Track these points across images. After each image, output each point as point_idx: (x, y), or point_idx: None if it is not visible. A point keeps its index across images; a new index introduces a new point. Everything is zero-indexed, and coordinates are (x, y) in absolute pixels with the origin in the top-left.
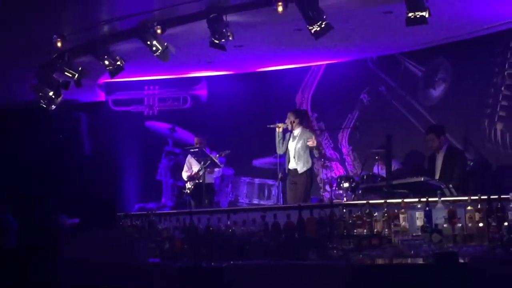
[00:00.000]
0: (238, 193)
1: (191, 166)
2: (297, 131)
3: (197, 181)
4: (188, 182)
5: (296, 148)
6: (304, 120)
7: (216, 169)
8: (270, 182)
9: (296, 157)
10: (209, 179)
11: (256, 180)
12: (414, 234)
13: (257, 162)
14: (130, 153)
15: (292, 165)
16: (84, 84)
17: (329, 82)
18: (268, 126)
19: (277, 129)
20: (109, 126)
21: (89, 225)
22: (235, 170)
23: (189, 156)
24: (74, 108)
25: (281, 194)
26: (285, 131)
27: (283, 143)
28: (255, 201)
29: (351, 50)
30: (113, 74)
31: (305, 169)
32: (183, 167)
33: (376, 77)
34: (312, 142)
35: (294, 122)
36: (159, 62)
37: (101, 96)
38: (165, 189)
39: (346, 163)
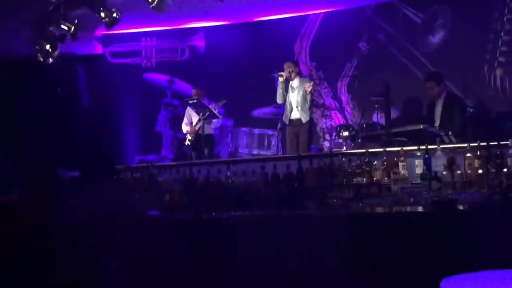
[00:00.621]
0: (238, 143)
1: (191, 118)
2: (296, 82)
3: (196, 133)
4: (188, 134)
5: (298, 99)
6: (300, 71)
7: (215, 120)
8: (269, 132)
9: (299, 107)
10: (208, 130)
11: (256, 130)
12: (413, 182)
13: (256, 112)
14: (129, 105)
15: (295, 115)
16: (81, 36)
17: (328, 31)
18: (272, 75)
19: (279, 78)
20: (107, 79)
21: (89, 178)
22: (234, 120)
23: (188, 108)
24: (72, 61)
25: (281, 144)
26: (287, 80)
27: (284, 93)
28: (255, 152)
29: None
30: (109, 26)
31: (308, 119)
32: (182, 118)
33: (374, 25)
34: (309, 86)
35: (292, 72)
36: (155, 13)
37: (98, 49)
38: (165, 140)
39: (346, 112)
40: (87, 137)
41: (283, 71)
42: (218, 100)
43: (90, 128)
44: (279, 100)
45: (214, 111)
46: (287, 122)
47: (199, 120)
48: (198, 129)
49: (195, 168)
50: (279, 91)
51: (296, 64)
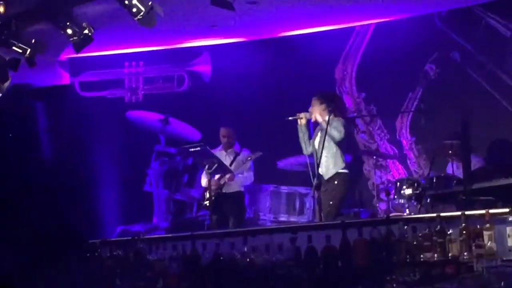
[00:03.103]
0: (259, 206)
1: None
2: (325, 122)
3: (218, 190)
4: (207, 191)
5: (321, 144)
6: (335, 107)
7: (245, 174)
8: (302, 190)
9: (324, 156)
10: (234, 187)
11: (283, 188)
12: (504, 259)
13: (283, 163)
14: (107, 156)
15: (320, 168)
16: (40, 62)
17: (381, 48)
18: (287, 119)
19: (299, 121)
20: (76, 119)
21: (53, 259)
22: (254, 175)
23: (217, 150)
24: (28, 96)
25: (318, 207)
26: (311, 124)
27: (309, 140)
28: (283, 218)
29: (412, 2)
30: (79, 47)
31: (334, 171)
32: (180, 172)
33: (446, 40)
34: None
35: (320, 108)
36: (143, 29)
37: (64, 78)
38: (157, 204)
39: (408, 161)
40: (49, 202)
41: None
42: (251, 149)
43: (52, 189)
44: (304, 151)
45: (246, 162)
46: (314, 181)
47: (213, 173)
48: (220, 185)
49: (199, 241)
50: (301, 138)
51: (325, 97)
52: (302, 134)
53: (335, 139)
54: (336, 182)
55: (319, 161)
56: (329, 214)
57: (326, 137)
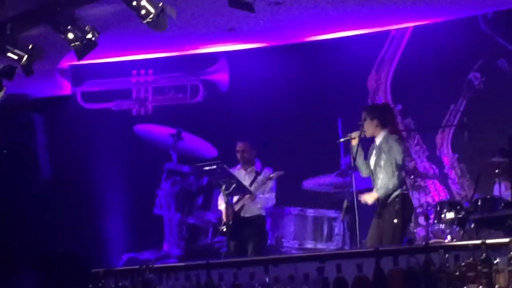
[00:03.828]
0: (282, 232)
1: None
2: (379, 139)
3: (237, 214)
4: (224, 215)
5: (377, 164)
6: (387, 120)
7: (266, 195)
8: (331, 214)
9: (379, 178)
10: (254, 210)
11: (310, 212)
12: None
13: (309, 184)
14: (112, 175)
15: (376, 190)
16: (38, 70)
17: (419, 55)
18: (338, 141)
19: (352, 142)
20: (79, 134)
21: None
22: (276, 196)
23: (236, 170)
24: (25, 108)
25: (349, 233)
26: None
27: (365, 161)
28: (309, 245)
29: (453, 3)
30: (81, 53)
31: (394, 194)
32: (193, 194)
33: (493, 45)
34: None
35: (373, 124)
36: (153, 33)
37: (65, 88)
38: (168, 229)
39: (450, 181)
40: (47, 226)
41: (358, 127)
42: (273, 167)
43: (51, 212)
44: (362, 173)
45: (264, 182)
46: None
47: (230, 194)
48: (239, 208)
49: (215, 271)
50: (358, 161)
51: (376, 110)
52: (358, 157)
53: (397, 162)
54: (397, 207)
55: (375, 183)
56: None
57: (382, 155)
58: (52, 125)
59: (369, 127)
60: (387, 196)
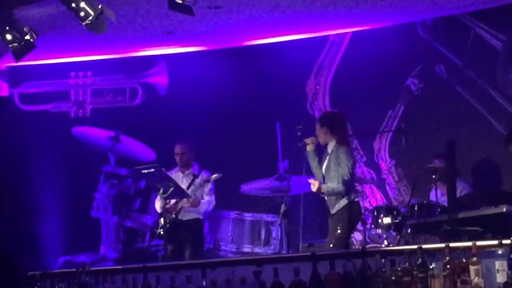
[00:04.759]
0: (220, 235)
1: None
2: (330, 147)
3: (175, 217)
4: (161, 218)
5: (327, 171)
6: (336, 129)
7: (206, 199)
8: (269, 218)
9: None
10: (192, 213)
11: (247, 216)
12: None
13: (247, 188)
14: (49, 177)
15: (327, 200)
16: None
17: (358, 60)
18: (297, 146)
19: (307, 147)
20: (16, 135)
21: None
22: (214, 200)
23: (173, 172)
24: None
25: (286, 238)
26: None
27: (319, 166)
28: (246, 248)
29: (392, 9)
30: (19, 55)
31: (339, 206)
32: (131, 197)
33: (431, 51)
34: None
35: (322, 132)
36: (91, 35)
37: (3, 89)
38: (105, 232)
39: (387, 186)
40: None
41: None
42: (212, 170)
43: None
44: (317, 178)
45: (202, 185)
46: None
47: (168, 197)
48: (177, 211)
49: (152, 274)
50: (311, 165)
51: (326, 119)
52: (312, 162)
53: (344, 172)
54: (345, 215)
55: None
56: (335, 247)
57: (331, 165)
58: None
59: (319, 135)
60: (333, 201)
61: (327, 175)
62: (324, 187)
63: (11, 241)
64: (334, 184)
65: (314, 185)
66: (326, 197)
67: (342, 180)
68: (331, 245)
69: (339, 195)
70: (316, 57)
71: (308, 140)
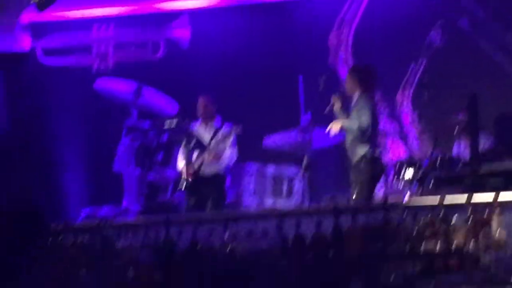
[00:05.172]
0: (242, 188)
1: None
2: (355, 98)
3: (197, 170)
4: (184, 171)
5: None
6: (365, 81)
7: (228, 153)
8: (291, 171)
9: (348, 138)
10: (215, 166)
11: (270, 169)
12: None
13: (270, 141)
14: (71, 131)
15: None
16: None
17: (380, 13)
18: (326, 112)
19: (335, 108)
20: (38, 89)
21: (7, 247)
22: (236, 152)
23: (196, 125)
24: None
25: (308, 190)
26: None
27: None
28: (269, 202)
29: None
30: (42, 6)
31: (359, 155)
32: (154, 150)
33: (454, 5)
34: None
35: (351, 83)
36: None
37: (25, 44)
38: (128, 185)
39: (409, 139)
40: (5, 182)
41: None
42: (234, 123)
43: (8, 166)
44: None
45: (225, 138)
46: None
47: (191, 150)
48: (200, 164)
49: (174, 227)
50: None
51: (356, 72)
52: (341, 116)
53: (362, 118)
54: (363, 165)
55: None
56: (357, 200)
57: (353, 113)
58: (11, 81)
59: (347, 84)
60: (354, 149)
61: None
62: (344, 122)
63: (35, 194)
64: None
65: (332, 127)
66: (347, 146)
67: (361, 121)
68: (353, 198)
69: (358, 140)
70: (339, 10)
71: (333, 100)
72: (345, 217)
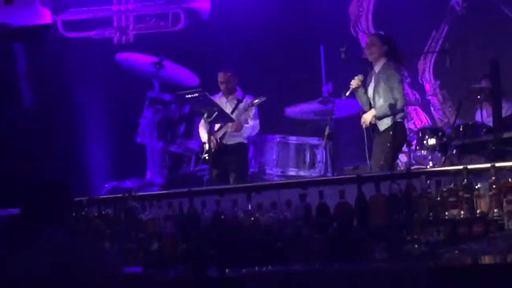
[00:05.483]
0: (265, 159)
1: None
2: (378, 67)
3: (219, 141)
4: (206, 143)
5: (376, 91)
6: (393, 50)
7: (250, 123)
8: (313, 141)
9: (378, 104)
10: (237, 138)
11: (292, 139)
12: None
13: (292, 111)
14: (93, 104)
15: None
16: None
17: None
18: (346, 96)
19: (355, 88)
20: (60, 63)
21: (34, 219)
22: (259, 123)
23: (217, 97)
24: (5, 36)
25: (330, 160)
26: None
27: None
28: (291, 172)
29: None
30: None
31: (386, 125)
32: (176, 122)
33: None
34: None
35: (381, 50)
36: None
37: (46, 17)
38: (151, 157)
39: (432, 108)
40: (29, 155)
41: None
42: (255, 95)
43: (33, 140)
44: (365, 108)
45: (246, 109)
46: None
47: (212, 122)
48: (221, 137)
49: (198, 199)
50: (362, 100)
51: (384, 39)
52: (362, 96)
53: (397, 88)
54: (391, 133)
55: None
56: (382, 168)
57: (381, 83)
58: (33, 54)
59: (376, 52)
60: (381, 124)
61: (377, 94)
62: (377, 111)
63: (59, 167)
64: (386, 101)
65: (365, 121)
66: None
67: (398, 93)
68: (377, 166)
69: (392, 106)
70: None
71: (353, 82)
72: (369, 186)
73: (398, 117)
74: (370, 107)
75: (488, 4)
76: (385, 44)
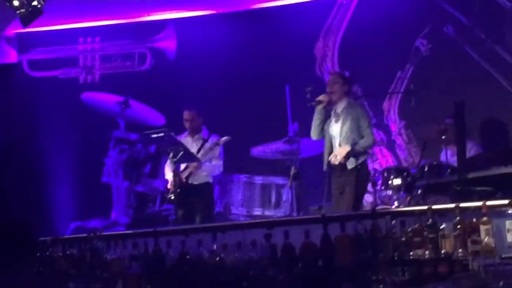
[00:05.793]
0: (230, 199)
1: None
2: (341, 106)
3: (184, 181)
4: (172, 183)
5: (343, 132)
6: (351, 89)
7: (213, 163)
8: (279, 181)
9: (345, 142)
10: (202, 177)
11: (258, 179)
12: (503, 256)
13: (257, 151)
14: (59, 143)
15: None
16: None
17: (367, 21)
18: (309, 104)
19: (318, 106)
20: (25, 102)
21: None
22: (224, 164)
23: (183, 137)
24: None
25: (296, 200)
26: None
27: (322, 125)
28: (257, 212)
29: None
30: (27, 20)
31: (353, 163)
32: (141, 162)
33: (439, 12)
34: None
35: (343, 89)
36: (99, 0)
37: (11, 56)
38: (116, 197)
39: (397, 148)
40: None
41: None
42: (221, 134)
43: None
44: (314, 135)
45: (212, 149)
46: (325, 168)
47: (178, 162)
48: (186, 176)
49: (163, 238)
50: (316, 122)
51: (345, 78)
52: (318, 119)
53: (366, 126)
54: (358, 172)
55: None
56: (353, 206)
57: (348, 122)
58: None
59: (339, 91)
60: (351, 163)
61: (344, 133)
62: (356, 148)
63: (22, 207)
64: (357, 139)
65: (338, 156)
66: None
67: (367, 129)
68: (346, 205)
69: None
70: (325, 19)
71: (321, 98)
72: (334, 226)
73: (363, 157)
74: (321, 132)
75: (453, 46)
76: (345, 84)
